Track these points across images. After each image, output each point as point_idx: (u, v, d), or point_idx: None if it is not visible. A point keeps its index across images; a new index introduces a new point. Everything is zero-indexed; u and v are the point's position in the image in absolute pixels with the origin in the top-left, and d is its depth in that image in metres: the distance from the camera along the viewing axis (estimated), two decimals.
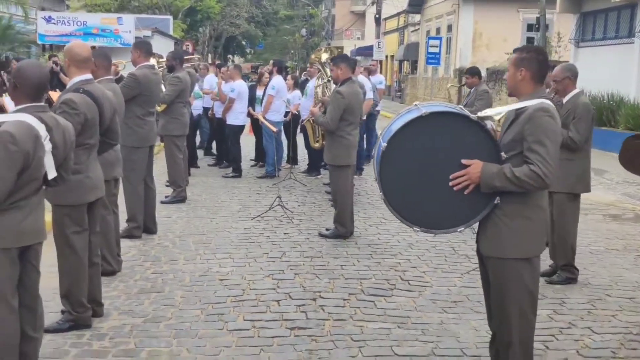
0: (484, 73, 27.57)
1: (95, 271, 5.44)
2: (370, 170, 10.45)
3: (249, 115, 12.41)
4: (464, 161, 3.92)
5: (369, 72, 16.28)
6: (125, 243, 7.41)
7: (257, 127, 12.85)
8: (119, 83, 7.67)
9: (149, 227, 8.06)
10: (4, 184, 3.73)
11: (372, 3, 46.17)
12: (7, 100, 7.33)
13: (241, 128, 12.28)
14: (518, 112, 3.97)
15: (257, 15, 60.93)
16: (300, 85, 13.58)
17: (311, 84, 11.72)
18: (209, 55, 55.38)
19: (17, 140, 3.72)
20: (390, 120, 4.27)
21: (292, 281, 6.39)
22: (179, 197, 9.95)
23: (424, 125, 3.97)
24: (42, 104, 4.01)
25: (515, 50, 4.18)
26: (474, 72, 10.19)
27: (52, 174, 4.00)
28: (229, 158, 12.68)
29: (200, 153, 14.46)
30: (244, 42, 67.69)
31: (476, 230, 4.15)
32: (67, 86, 5.32)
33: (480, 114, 4.05)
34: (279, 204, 9.18)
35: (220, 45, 59.89)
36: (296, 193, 10.83)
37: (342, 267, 6.89)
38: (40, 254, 4.22)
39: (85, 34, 17.03)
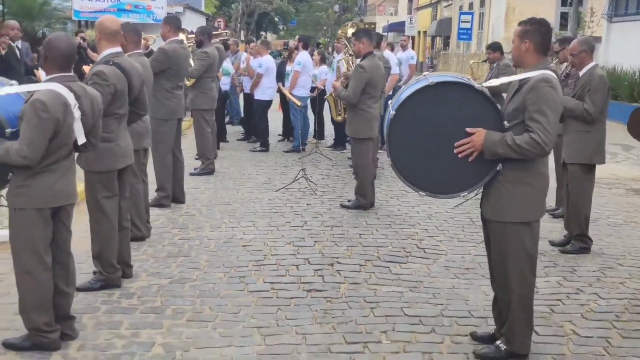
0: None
1: (125, 235, 5.76)
2: None
3: (278, 90, 12.64)
4: (468, 129, 4.13)
5: (400, 48, 16.48)
6: (154, 211, 7.74)
7: (285, 103, 13.08)
8: (149, 57, 7.98)
9: (178, 197, 8.38)
10: (37, 148, 4.04)
11: None
12: (43, 74, 7.70)
13: (268, 103, 12.52)
14: (521, 83, 4.17)
15: None
16: (328, 61, 13.76)
17: (337, 59, 11.91)
18: (242, 31, 55.59)
19: (47, 108, 4.01)
20: (402, 89, 4.48)
21: (311, 248, 6.66)
22: (207, 170, 10.25)
23: (431, 94, 4.18)
24: (71, 74, 4.30)
25: (520, 23, 4.36)
26: (495, 47, 10.31)
27: (81, 139, 4.30)
28: (257, 132, 12.95)
29: (229, 128, 14.78)
30: (276, 19, 67.78)
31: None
32: (98, 59, 5.61)
33: (485, 84, 4.25)
34: (302, 176, 9.44)
35: (253, 22, 60.12)
36: (321, 166, 11.07)
37: (361, 235, 7.14)
38: (72, 215, 4.53)
39: (119, 10, 17.35)
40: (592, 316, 5.18)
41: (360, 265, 6.18)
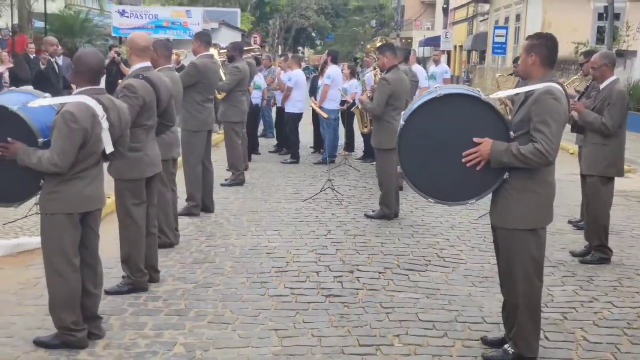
0: None
1: (152, 240, 6.01)
2: None
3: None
4: (475, 139, 4.29)
5: (433, 62, 16.63)
6: (184, 220, 8.01)
7: (316, 116, 13.32)
8: (180, 71, 8.28)
9: (207, 206, 8.64)
10: (67, 156, 4.31)
11: None
12: None
13: (299, 116, 12.77)
14: (527, 95, 4.32)
15: (327, 6, 61.44)
16: (357, 75, 13.98)
17: (369, 74, 12.12)
18: (279, 47, 56.21)
19: (77, 119, 4.28)
20: (413, 101, 4.66)
21: (333, 256, 6.85)
22: (237, 180, 10.51)
23: (439, 106, 4.36)
24: (100, 87, 4.57)
25: (527, 37, 4.52)
26: (518, 60, 10.40)
27: (109, 149, 4.56)
28: (287, 145, 13.20)
29: (262, 140, 15.10)
30: (313, 34, 68.34)
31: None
32: (129, 73, 5.89)
33: (492, 95, 4.42)
34: (329, 187, 9.64)
35: (291, 37, 60.77)
36: (349, 178, 11.26)
37: (382, 244, 7.31)
38: (100, 220, 4.79)
39: (157, 27, 17.82)
40: (604, 323, 5.27)
41: (380, 273, 6.35)
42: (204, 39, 8.71)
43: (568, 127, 7.63)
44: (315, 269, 6.41)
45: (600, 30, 29.17)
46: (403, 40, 64.32)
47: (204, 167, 8.58)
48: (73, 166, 4.39)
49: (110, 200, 6.64)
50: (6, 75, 14.78)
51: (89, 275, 4.70)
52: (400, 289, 5.93)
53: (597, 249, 6.95)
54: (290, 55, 14.12)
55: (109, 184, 5.93)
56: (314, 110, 13.18)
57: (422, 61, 53.81)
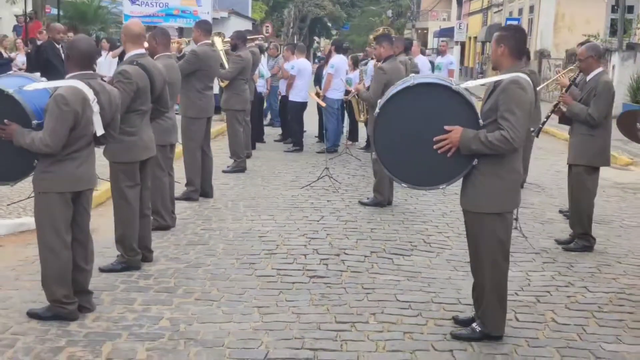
0: (562, 55, 27.47)
1: (146, 222, 6.27)
2: None
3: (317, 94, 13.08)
4: (446, 127, 4.49)
5: (437, 52, 16.75)
6: (182, 204, 8.27)
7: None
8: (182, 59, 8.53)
9: (206, 191, 8.88)
10: (58, 137, 4.55)
11: None
12: None
13: (302, 104, 12.96)
14: (495, 84, 4.52)
15: None
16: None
17: (370, 65, 12.30)
18: (294, 36, 56.28)
19: (68, 102, 4.52)
20: (389, 90, 4.87)
21: (323, 240, 7.07)
22: (238, 168, 10.75)
23: (412, 94, 4.57)
24: (91, 72, 4.80)
25: (498, 29, 4.71)
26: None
27: (100, 131, 4.80)
28: (291, 133, 13.43)
29: (269, 129, 15.37)
30: (329, 24, 68.30)
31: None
32: (124, 59, 6.13)
33: (462, 85, 4.61)
34: (326, 175, 9.85)
35: (306, 27, 60.73)
36: (349, 167, 11.47)
37: (372, 230, 7.53)
38: (91, 199, 5.05)
39: (167, 15, 18.03)
40: (575, 307, 5.46)
41: (365, 257, 6.57)
42: (204, 27, 8.94)
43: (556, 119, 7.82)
44: (304, 252, 6.64)
45: (613, 23, 29.02)
46: (419, 31, 64.30)
47: (203, 153, 8.82)
48: (65, 147, 4.64)
49: (108, 185, 6.89)
50: (19, 61, 15.10)
51: (80, 251, 4.96)
52: (383, 272, 6.15)
53: (580, 237, 7.12)
54: (296, 45, 14.29)
55: (105, 167, 6.22)
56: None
57: (437, 52, 53.85)
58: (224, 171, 10.55)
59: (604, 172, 11.03)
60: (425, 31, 62.78)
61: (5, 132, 4.61)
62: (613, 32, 28.66)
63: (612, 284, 6.07)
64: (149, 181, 6.29)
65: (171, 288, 5.62)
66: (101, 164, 6.10)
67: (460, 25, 38.35)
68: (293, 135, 13.15)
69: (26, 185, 5.38)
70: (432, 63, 15.82)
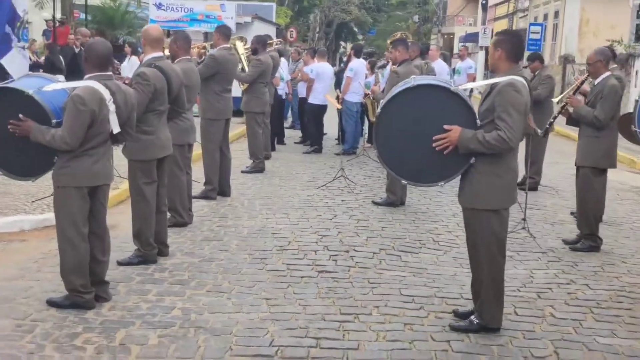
0: (584, 60, 27.37)
1: (163, 217, 6.53)
2: None
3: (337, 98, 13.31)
4: (446, 126, 4.69)
5: (459, 58, 16.92)
6: (200, 202, 8.54)
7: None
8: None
9: (224, 190, 9.14)
10: (76, 135, 4.82)
11: None
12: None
13: (321, 107, 13.17)
14: (492, 87, 4.70)
15: (368, 1, 61.56)
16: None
17: (389, 68, 12.50)
18: (320, 41, 56.57)
19: (85, 101, 4.79)
20: (391, 91, 5.08)
21: (334, 237, 7.28)
22: (257, 168, 10.99)
23: (413, 95, 4.77)
24: (108, 73, 5.06)
25: (496, 34, 4.90)
26: (534, 57, 10.74)
27: (116, 129, 5.06)
28: (308, 135, 13.67)
29: (291, 131, 15.65)
30: (355, 29, 68.48)
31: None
32: (142, 62, 6.40)
33: (461, 86, 4.81)
34: (341, 175, 10.07)
35: (332, 32, 60.98)
36: (366, 168, 11.67)
37: (383, 228, 7.72)
38: (108, 194, 5.31)
39: (192, 20, 18.32)
40: (575, 302, 5.62)
41: (374, 253, 6.77)
42: (223, 31, 9.20)
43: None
44: (314, 248, 6.85)
45: (638, 28, 28.92)
46: (445, 36, 64.25)
47: (222, 153, 9.07)
48: (82, 144, 4.90)
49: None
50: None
51: (97, 243, 5.22)
52: (390, 268, 6.34)
53: (587, 237, 7.26)
54: (317, 49, 14.56)
55: (126, 166, 6.49)
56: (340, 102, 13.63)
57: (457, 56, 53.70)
58: (243, 171, 10.81)
59: (621, 175, 11.20)
60: (451, 36, 62.69)
61: (21, 127, 4.88)
62: (638, 37, 28.56)
63: (613, 282, 6.20)
64: (165, 179, 6.55)
65: (185, 280, 5.86)
66: (122, 163, 6.39)
67: (485, 31, 38.25)
68: (310, 137, 13.38)
69: (50, 183, 5.63)
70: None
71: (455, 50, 56.44)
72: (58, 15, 21.52)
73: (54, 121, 4.93)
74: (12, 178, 5.45)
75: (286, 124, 16.29)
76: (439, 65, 13.35)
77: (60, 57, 11.67)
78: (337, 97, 13.31)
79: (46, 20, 23.31)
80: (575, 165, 7.42)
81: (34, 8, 24.14)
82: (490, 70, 5.01)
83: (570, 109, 7.36)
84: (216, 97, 8.89)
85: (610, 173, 7.63)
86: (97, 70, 5.00)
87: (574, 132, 14.95)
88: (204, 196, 8.86)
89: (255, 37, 11.46)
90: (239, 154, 12.13)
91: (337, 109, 11.55)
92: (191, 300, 5.41)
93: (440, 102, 4.73)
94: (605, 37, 27.45)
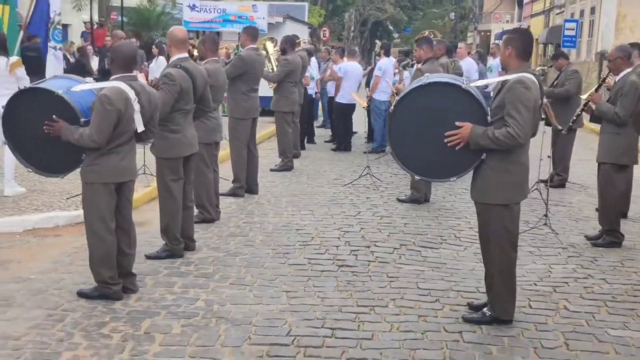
0: None
1: (189, 213, 6.75)
2: None
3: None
4: (457, 123, 4.82)
5: (491, 55, 16.93)
6: (228, 199, 8.78)
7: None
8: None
9: (252, 188, 9.35)
10: (103, 133, 5.05)
11: None
12: (140, 77, 8.87)
13: (348, 106, 13.32)
14: (503, 84, 4.82)
15: None
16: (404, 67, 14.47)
17: (403, 64, 12.65)
18: (355, 40, 56.70)
19: (112, 101, 5.02)
20: (405, 89, 5.22)
21: (356, 233, 7.44)
22: (286, 167, 11.19)
23: (425, 93, 4.92)
24: (133, 74, 5.29)
25: (507, 32, 5.01)
26: (558, 54, 10.79)
27: (140, 128, 5.28)
28: (338, 133, 13.83)
29: (322, 130, 15.85)
30: (390, 27, 68.47)
31: None
32: (169, 63, 6.63)
33: (472, 84, 4.93)
34: (367, 173, 10.22)
35: (367, 30, 61.06)
36: (393, 166, 11.70)
37: (405, 224, 7.85)
38: (133, 190, 5.55)
39: (224, 21, 18.63)
40: (590, 296, 5.70)
41: (395, 249, 6.91)
42: (250, 32, 9.41)
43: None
44: (336, 244, 7.02)
45: None
46: (482, 33, 63.87)
47: (249, 151, 9.29)
48: (109, 142, 5.13)
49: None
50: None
51: (123, 237, 5.46)
52: (409, 263, 6.48)
53: (608, 233, 7.31)
54: (345, 48, 14.72)
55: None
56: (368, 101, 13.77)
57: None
58: (272, 169, 11.03)
59: None
60: (488, 33, 62.29)
61: (54, 128, 5.12)
62: None
63: (632, 276, 6.26)
64: (192, 176, 6.77)
65: (209, 274, 6.07)
66: (153, 161, 6.63)
67: (520, 27, 38.12)
68: (338, 136, 13.55)
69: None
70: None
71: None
72: (96, 18, 22.02)
73: (82, 120, 5.17)
74: (41, 175, 5.72)
75: (317, 123, 16.47)
76: (467, 63, 13.43)
77: (93, 59, 12.02)
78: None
79: (84, 23, 23.84)
80: (597, 161, 7.46)
81: (72, 10, 24.74)
82: (502, 67, 5.12)
83: (593, 106, 7.42)
84: (243, 97, 9.10)
85: (637, 169, 7.65)
86: (123, 71, 5.23)
87: None
88: (232, 193, 9.07)
89: (284, 38, 11.67)
90: (269, 153, 12.36)
91: (365, 107, 11.68)
92: (214, 293, 5.61)
93: (452, 99, 4.86)
94: None
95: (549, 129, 9.23)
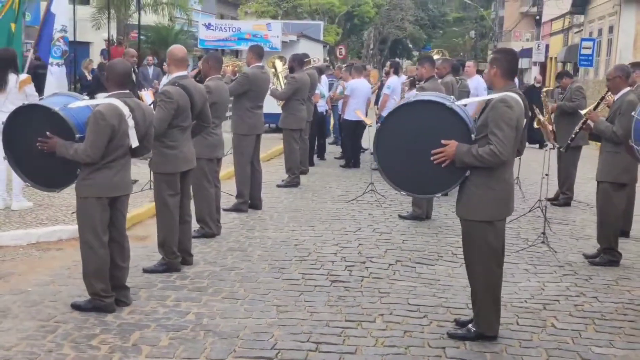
0: None
1: (187, 227, 6.85)
2: None
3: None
4: (443, 141, 4.88)
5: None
6: (231, 215, 8.89)
7: None
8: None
9: (255, 204, 9.45)
10: (97, 148, 5.18)
11: (533, 5, 45.55)
12: (145, 96, 9.04)
13: (356, 123, 13.37)
14: (487, 103, 4.89)
15: (423, 17, 61.62)
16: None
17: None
18: (375, 58, 56.88)
19: (105, 117, 5.15)
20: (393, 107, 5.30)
21: (353, 249, 7.50)
22: (292, 183, 11.29)
23: (411, 111, 5.00)
24: (127, 91, 5.42)
25: (492, 52, 5.09)
26: (562, 74, 10.89)
27: (134, 143, 5.40)
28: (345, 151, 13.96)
29: (333, 147, 15.97)
30: (410, 45, 68.57)
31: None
32: (168, 80, 6.77)
33: (457, 102, 5.00)
34: (371, 190, 10.28)
35: (386, 48, 61.20)
36: None
37: (404, 241, 7.90)
38: (127, 204, 5.66)
39: (239, 39, 18.82)
40: (579, 314, 5.71)
41: (390, 265, 6.96)
42: (256, 51, 9.54)
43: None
44: (332, 259, 7.08)
45: None
46: None
47: (253, 167, 9.39)
48: (103, 157, 5.26)
49: None
50: None
51: (117, 250, 5.56)
52: (402, 279, 6.53)
53: (606, 252, 7.31)
54: (353, 65, 14.84)
55: None
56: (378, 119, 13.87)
57: (519, 72, 53.23)
58: (278, 185, 11.13)
59: None
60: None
61: (48, 144, 5.26)
62: None
63: (624, 295, 6.26)
64: (189, 191, 6.88)
65: (203, 288, 6.16)
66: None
67: (538, 46, 38.05)
68: (347, 152, 13.66)
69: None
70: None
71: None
72: (115, 35, 22.36)
73: (77, 136, 5.29)
74: (39, 189, 5.86)
75: (329, 140, 16.58)
76: (475, 81, 13.43)
77: None
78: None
79: (105, 40, 24.21)
80: (596, 180, 7.48)
81: (91, 29, 25.14)
82: (488, 86, 5.20)
83: (591, 124, 7.46)
84: (248, 114, 9.22)
85: None
86: (117, 88, 5.37)
87: None
88: (236, 209, 9.18)
89: (292, 56, 11.80)
90: (278, 169, 12.46)
91: (369, 125, 11.76)
92: (206, 306, 5.69)
93: (437, 116, 4.94)
94: None
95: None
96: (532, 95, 10.50)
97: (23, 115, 5.50)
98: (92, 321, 5.30)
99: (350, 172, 13.07)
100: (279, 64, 12.23)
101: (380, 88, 15.00)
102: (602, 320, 5.58)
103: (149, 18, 25.01)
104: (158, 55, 21.96)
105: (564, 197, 10.51)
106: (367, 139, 14.25)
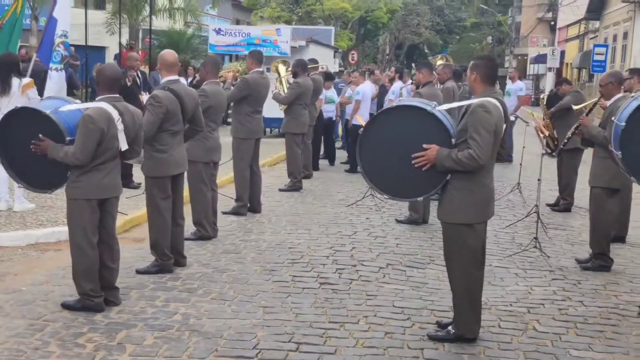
0: None
1: (179, 230, 6.96)
2: None
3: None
4: (425, 145, 4.96)
5: (509, 79, 17.00)
6: (230, 218, 9.00)
7: None
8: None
9: (254, 207, 9.55)
10: (87, 151, 5.30)
11: (548, 11, 45.42)
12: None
13: (359, 127, 13.48)
14: (467, 108, 4.96)
15: (439, 23, 61.59)
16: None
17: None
18: (390, 63, 56.92)
19: (94, 121, 5.27)
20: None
21: (346, 252, 7.57)
22: (294, 187, 11.38)
23: (393, 115, 5.09)
24: (117, 95, 5.55)
25: (473, 58, 5.17)
26: (561, 81, 10.95)
27: (124, 147, 5.52)
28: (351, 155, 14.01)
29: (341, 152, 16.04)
30: (426, 50, 68.52)
31: None
32: (159, 84, 6.90)
33: (439, 107, 5.08)
34: (370, 194, 10.35)
35: (402, 54, 61.23)
36: None
37: (398, 245, 7.97)
38: (117, 206, 5.78)
39: (248, 44, 18.93)
40: (562, 318, 5.75)
41: (380, 268, 7.03)
42: (256, 56, 9.66)
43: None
44: (323, 262, 7.16)
45: None
46: (518, 57, 63.68)
47: (252, 171, 9.50)
48: (92, 160, 5.38)
49: None
50: None
51: (106, 251, 5.68)
52: (391, 282, 6.60)
53: (597, 257, 7.33)
54: (360, 70, 14.94)
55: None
56: None
57: (536, 78, 53.09)
58: (280, 189, 11.23)
59: None
60: (525, 57, 62.07)
61: (40, 147, 5.39)
62: None
63: (610, 300, 6.29)
64: (181, 194, 6.99)
65: (193, 289, 6.26)
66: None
67: (553, 52, 37.98)
68: (351, 157, 13.74)
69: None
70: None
71: (528, 72, 56.00)
72: (127, 40, 22.60)
73: (67, 138, 5.42)
74: (32, 191, 5.98)
75: (338, 145, 16.65)
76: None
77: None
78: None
79: (120, 45, 24.49)
80: (589, 185, 7.51)
81: (105, 34, 25.42)
82: (469, 91, 5.27)
83: (584, 130, 7.48)
84: (247, 118, 9.33)
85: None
86: (107, 92, 5.49)
87: None
88: (235, 212, 9.28)
89: (296, 61, 11.89)
90: (282, 173, 12.54)
91: None
92: (194, 307, 5.79)
93: (418, 121, 5.02)
94: None
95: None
96: (553, 102, 10.52)
97: (15, 118, 5.64)
98: (80, 320, 5.42)
99: (354, 177, 13.11)
100: (282, 68, 12.35)
101: (381, 93, 15.04)
102: (584, 324, 5.62)
103: (162, 23, 25.28)
104: None
105: (564, 203, 10.52)
106: None
